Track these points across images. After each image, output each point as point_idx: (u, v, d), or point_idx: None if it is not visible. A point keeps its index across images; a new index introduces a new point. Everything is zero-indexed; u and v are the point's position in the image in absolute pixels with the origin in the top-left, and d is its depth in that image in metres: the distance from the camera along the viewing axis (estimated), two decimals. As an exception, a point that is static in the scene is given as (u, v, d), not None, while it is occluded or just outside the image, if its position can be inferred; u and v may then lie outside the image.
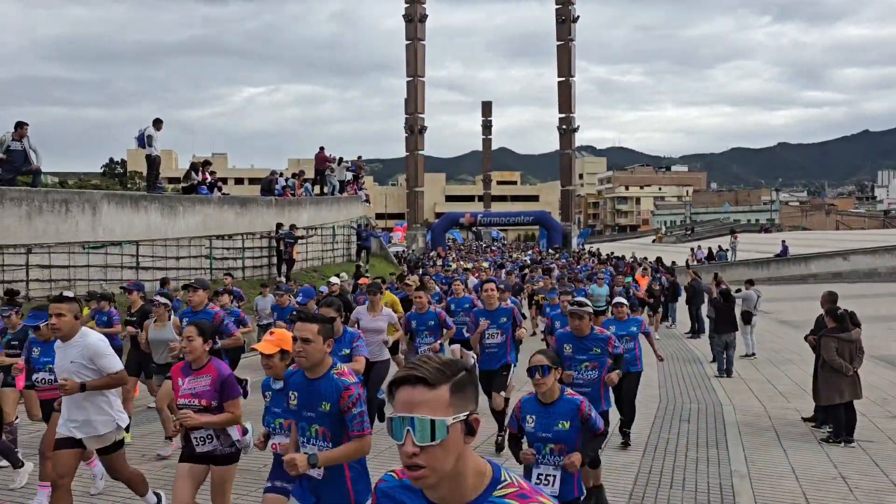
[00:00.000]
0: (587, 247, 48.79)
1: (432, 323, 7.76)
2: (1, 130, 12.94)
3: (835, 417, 8.25)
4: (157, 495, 5.24)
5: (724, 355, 12.66)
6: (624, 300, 8.00)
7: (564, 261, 30.66)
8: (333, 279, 12.39)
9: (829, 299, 8.86)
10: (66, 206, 13.34)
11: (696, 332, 17.61)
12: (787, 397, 10.82)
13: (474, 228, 61.32)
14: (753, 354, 14.35)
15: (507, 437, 4.43)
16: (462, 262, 28.78)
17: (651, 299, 17.49)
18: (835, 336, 8.20)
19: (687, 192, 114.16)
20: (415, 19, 48.15)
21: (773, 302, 15.81)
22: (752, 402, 10.54)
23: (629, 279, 19.85)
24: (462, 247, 51.84)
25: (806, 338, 9.47)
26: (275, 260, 19.49)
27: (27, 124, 12.80)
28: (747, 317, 14.38)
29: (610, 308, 8.12)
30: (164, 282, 13.31)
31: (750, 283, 15.32)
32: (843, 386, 8.08)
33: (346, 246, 25.98)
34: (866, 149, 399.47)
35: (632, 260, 31.63)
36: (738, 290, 15.13)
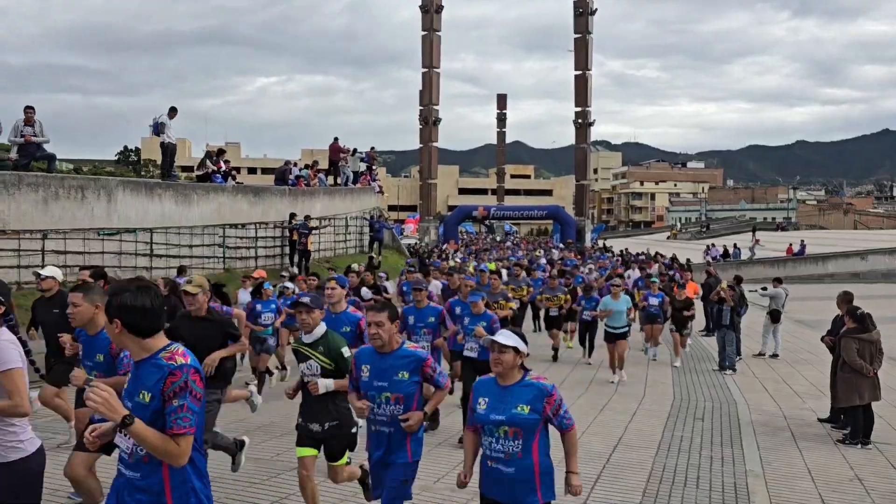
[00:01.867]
0: (601, 242, 48.55)
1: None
2: (14, 117, 13.02)
3: (852, 419, 8.13)
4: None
5: (727, 351, 12.66)
6: (508, 339, 3.65)
7: (604, 260, 28.93)
8: (46, 270, 7.07)
9: (846, 299, 8.74)
10: (81, 192, 13.39)
11: (710, 329, 17.43)
12: (802, 397, 10.69)
13: (487, 222, 61.22)
14: (776, 355, 14.22)
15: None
16: (459, 261, 25.33)
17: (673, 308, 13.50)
18: (855, 336, 8.06)
19: (702, 188, 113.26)
20: (431, 10, 47.94)
21: (790, 301, 15.62)
22: (767, 401, 10.42)
23: (653, 277, 16.64)
24: (475, 241, 51.32)
25: (823, 339, 9.34)
26: (287, 250, 19.52)
27: (33, 108, 12.87)
28: (776, 315, 14.24)
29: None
30: (181, 270, 13.37)
31: (778, 280, 15.17)
32: (862, 387, 7.95)
33: (359, 237, 25.99)
34: (886, 147, 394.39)
35: (643, 256, 31.37)
36: (765, 288, 14.99)
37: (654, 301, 13.25)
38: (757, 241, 36.65)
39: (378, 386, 4.21)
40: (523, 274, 15.67)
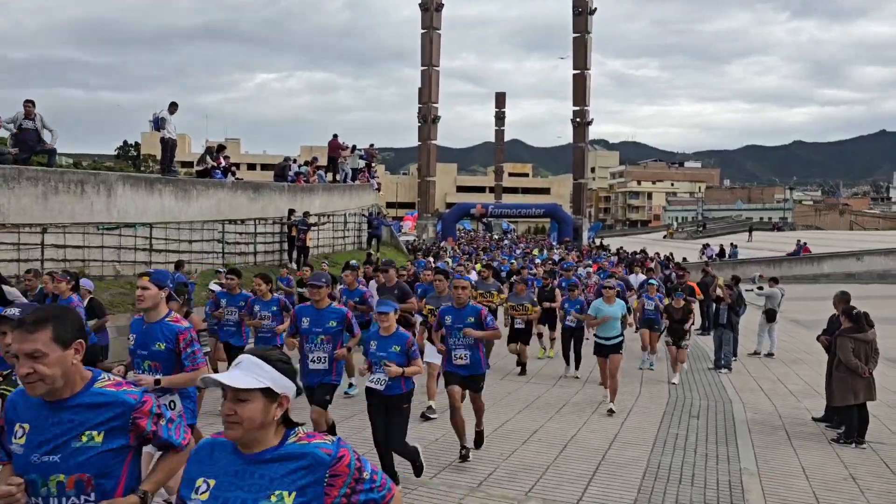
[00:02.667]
0: (598, 241, 48.62)
1: None
2: (14, 110, 13.06)
3: (847, 418, 8.20)
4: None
5: (723, 350, 12.73)
6: (246, 377, 1.98)
7: (601, 262, 27.90)
8: None
9: (843, 299, 8.81)
10: (81, 186, 13.42)
11: (706, 328, 17.52)
12: (797, 397, 10.77)
13: (485, 219, 61.23)
14: (771, 354, 14.32)
15: None
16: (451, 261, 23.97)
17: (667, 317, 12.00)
18: (851, 336, 8.14)
19: (699, 188, 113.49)
20: (431, 8, 47.96)
21: (785, 301, 15.71)
22: (762, 400, 10.50)
23: (650, 279, 13.79)
24: (474, 238, 51.25)
25: (818, 338, 9.43)
26: (286, 246, 19.56)
27: (32, 102, 12.90)
28: (772, 315, 14.34)
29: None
30: (178, 265, 13.41)
31: (774, 280, 15.25)
32: (858, 387, 8.02)
33: (357, 233, 26.02)
34: (885, 148, 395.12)
35: (640, 256, 31.42)
36: (761, 288, 15.08)
37: (650, 304, 12.45)
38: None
39: (42, 464, 2.25)
40: (492, 278, 12.22)
